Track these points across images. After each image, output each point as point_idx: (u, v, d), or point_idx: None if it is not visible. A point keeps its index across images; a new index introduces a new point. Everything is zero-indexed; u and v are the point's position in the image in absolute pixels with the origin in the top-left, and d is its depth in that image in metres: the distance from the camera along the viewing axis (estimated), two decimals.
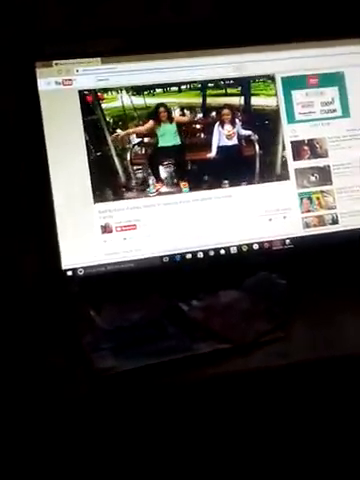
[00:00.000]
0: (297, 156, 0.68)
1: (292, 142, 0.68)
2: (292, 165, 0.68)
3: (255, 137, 0.67)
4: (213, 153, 0.66)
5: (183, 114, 0.65)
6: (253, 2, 0.69)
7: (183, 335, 0.51)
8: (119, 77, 0.64)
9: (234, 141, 0.67)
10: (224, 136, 0.66)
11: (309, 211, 0.68)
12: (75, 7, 0.65)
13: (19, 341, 0.52)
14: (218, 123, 0.66)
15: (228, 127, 0.66)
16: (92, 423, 0.43)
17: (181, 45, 0.65)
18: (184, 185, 0.65)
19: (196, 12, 0.67)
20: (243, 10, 0.69)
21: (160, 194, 0.64)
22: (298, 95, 0.68)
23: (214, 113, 0.66)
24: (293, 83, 0.68)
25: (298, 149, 0.68)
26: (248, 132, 0.67)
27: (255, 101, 0.67)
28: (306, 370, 0.46)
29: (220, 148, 0.66)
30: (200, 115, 0.66)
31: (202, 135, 0.66)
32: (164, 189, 0.64)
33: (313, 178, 0.68)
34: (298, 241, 0.67)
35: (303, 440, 0.47)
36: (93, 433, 0.43)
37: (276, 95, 0.68)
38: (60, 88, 0.63)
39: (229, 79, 0.67)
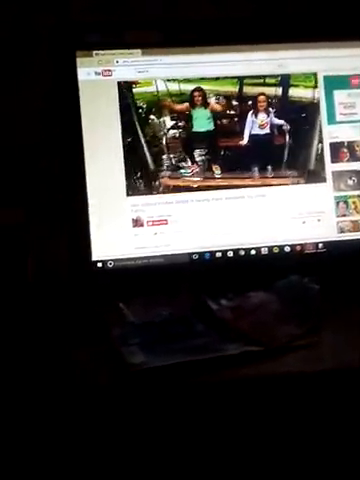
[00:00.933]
0: (335, 158, 0.66)
1: (331, 143, 0.66)
2: (330, 167, 0.66)
3: (287, 127, 0.65)
4: (245, 140, 0.64)
5: (218, 101, 0.64)
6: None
7: (212, 334, 0.50)
8: (159, 69, 0.63)
9: (266, 130, 0.65)
10: (257, 125, 0.65)
11: (345, 215, 0.66)
12: None
13: (48, 330, 0.52)
14: (252, 111, 0.65)
15: (261, 116, 0.65)
16: (119, 417, 0.43)
17: (222, 39, 0.64)
18: (216, 168, 0.64)
19: (239, 7, 0.66)
20: (287, 6, 0.68)
21: (193, 189, 0.63)
22: (340, 95, 0.66)
23: (250, 102, 0.65)
24: (335, 83, 0.66)
25: (337, 151, 0.66)
26: (281, 121, 0.65)
27: (293, 92, 0.65)
28: (338, 377, 0.45)
29: (252, 136, 0.65)
30: (235, 102, 0.64)
31: (236, 122, 0.64)
32: (198, 173, 0.63)
33: (351, 182, 0.66)
34: (332, 245, 0.66)
35: (332, 446, 0.45)
36: (119, 427, 0.43)
37: (316, 87, 0.65)
38: (99, 78, 0.62)
39: (270, 75, 0.65)
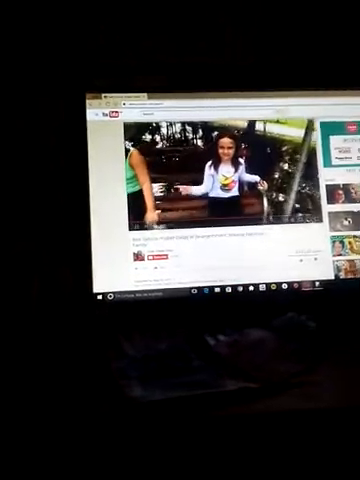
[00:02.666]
0: (331, 199, 0.69)
1: (327, 186, 0.69)
2: (326, 208, 0.68)
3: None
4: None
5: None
6: (299, 47, 0.72)
7: (209, 370, 0.50)
8: (163, 112, 0.67)
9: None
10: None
11: (340, 255, 0.68)
12: (123, 43, 0.69)
13: (48, 361, 0.52)
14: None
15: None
16: (118, 449, 0.43)
17: (224, 86, 0.68)
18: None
19: (240, 55, 0.71)
20: (286, 55, 0.72)
21: (194, 225, 0.65)
22: (336, 140, 0.70)
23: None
24: (332, 128, 0.70)
25: (333, 193, 0.69)
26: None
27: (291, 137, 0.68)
28: (334, 416, 0.45)
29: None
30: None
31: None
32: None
33: (346, 222, 0.69)
34: (328, 284, 0.67)
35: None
36: (118, 460, 0.43)
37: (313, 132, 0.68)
38: (107, 119, 0.66)
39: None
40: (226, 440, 0.43)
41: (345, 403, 0.46)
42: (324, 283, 0.67)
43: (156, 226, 0.65)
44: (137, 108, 0.67)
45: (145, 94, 0.67)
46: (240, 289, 0.66)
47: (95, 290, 0.63)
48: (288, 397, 0.46)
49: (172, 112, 0.67)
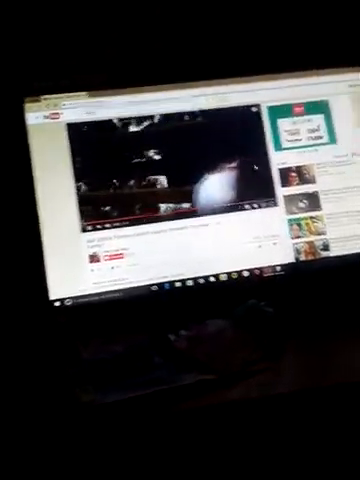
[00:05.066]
0: (285, 182, 0.68)
1: (280, 169, 0.68)
2: (280, 191, 0.68)
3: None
4: None
5: None
6: (237, 34, 0.72)
7: (169, 366, 0.49)
8: (106, 110, 0.65)
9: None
10: None
11: (299, 237, 0.67)
12: (61, 43, 0.67)
13: (5, 371, 0.51)
14: None
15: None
16: (73, 455, 0.41)
17: (166, 77, 0.67)
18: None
19: (181, 45, 0.70)
20: (228, 42, 0.72)
21: (148, 221, 0.64)
22: (284, 123, 0.69)
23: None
24: (279, 112, 0.69)
25: (286, 176, 0.68)
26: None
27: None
28: (292, 401, 0.45)
29: None
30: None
31: None
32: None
33: (302, 204, 0.68)
34: (289, 268, 0.67)
35: (288, 472, 0.44)
36: (73, 464, 0.42)
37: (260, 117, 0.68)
38: (48, 122, 0.64)
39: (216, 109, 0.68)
40: (183, 434, 0.42)
41: (302, 387, 0.45)
42: (285, 267, 0.66)
43: (109, 225, 0.64)
44: (78, 107, 0.65)
45: (85, 93, 0.66)
46: (201, 281, 0.65)
47: (52, 297, 0.61)
48: (245, 386, 0.45)
49: (115, 109, 0.66)
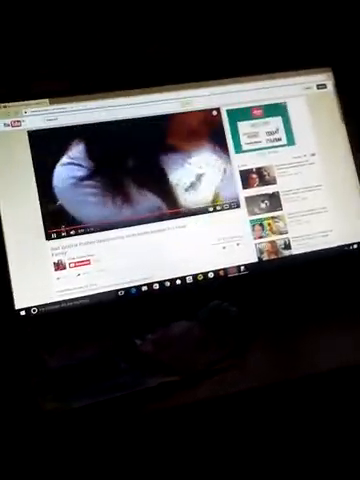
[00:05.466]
0: (246, 184, 0.70)
1: (241, 171, 0.70)
2: (242, 193, 0.70)
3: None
4: None
5: None
6: (197, 39, 0.73)
7: (134, 370, 0.50)
8: (67, 116, 0.66)
9: None
10: None
11: (261, 237, 0.69)
12: (21, 50, 0.67)
13: None
14: None
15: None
16: (38, 465, 0.42)
17: (127, 83, 0.67)
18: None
19: (141, 51, 0.71)
20: (188, 47, 0.73)
21: (113, 227, 0.65)
22: (244, 126, 0.71)
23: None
24: (238, 115, 0.71)
25: (247, 178, 0.70)
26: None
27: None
28: (256, 398, 0.46)
29: None
30: None
31: None
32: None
33: (263, 205, 0.70)
34: (253, 267, 0.68)
35: (255, 468, 0.46)
36: (41, 475, 0.42)
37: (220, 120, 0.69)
38: (9, 130, 0.64)
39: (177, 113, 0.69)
40: (148, 437, 0.43)
41: (264, 384, 0.47)
42: (248, 266, 0.68)
43: (74, 232, 0.64)
44: (39, 115, 0.65)
45: (46, 100, 0.66)
46: (167, 284, 0.66)
47: (17, 306, 0.61)
48: (208, 386, 0.46)
49: (76, 115, 0.66)
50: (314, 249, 0.70)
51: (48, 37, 0.68)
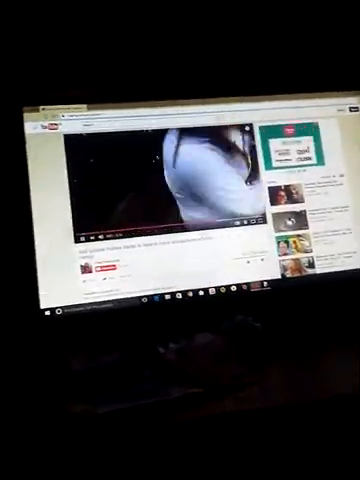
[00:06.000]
0: (274, 201, 0.70)
1: (270, 188, 0.71)
2: (269, 209, 0.70)
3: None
4: None
5: None
6: (234, 55, 0.74)
7: (158, 378, 0.50)
8: (103, 123, 0.67)
9: None
10: None
11: (286, 254, 0.70)
12: (62, 54, 0.69)
13: None
14: None
15: None
16: (66, 467, 0.42)
17: (163, 94, 0.68)
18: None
19: (177, 64, 0.72)
20: (224, 62, 0.74)
21: (140, 234, 0.66)
22: (275, 143, 0.72)
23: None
24: (270, 132, 0.72)
25: (275, 194, 0.71)
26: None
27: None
28: (278, 415, 0.46)
29: None
30: None
31: None
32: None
33: (290, 222, 0.71)
34: (275, 284, 0.69)
35: None
36: (65, 477, 0.42)
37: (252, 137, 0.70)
38: (46, 132, 0.65)
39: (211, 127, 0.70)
40: (172, 447, 0.43)
41: (286, 401, 0.47)
42: (271, 283, 0.68)
43: (102, 237, 0.65)
44: (77, 119, 0.66)
45: (84, 105, 0.67)
46: (190, 295, 0.66)
47: (42, 306, 0.62)
48: (232, 400, 0.47)
49: (112, 122, 0.67)
50: (337, 269, 0.70)
51: (90, 42, 0.69)
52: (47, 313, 0.62)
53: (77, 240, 0.64)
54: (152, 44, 0.71)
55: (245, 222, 0.69)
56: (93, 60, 0.70)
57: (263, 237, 0.69)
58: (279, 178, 0.71)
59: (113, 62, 0.70)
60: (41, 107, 0.65)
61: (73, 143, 0.65)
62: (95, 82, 0.69)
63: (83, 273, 0.63)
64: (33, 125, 0.65)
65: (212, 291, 0.67)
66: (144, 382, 0.50)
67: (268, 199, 0.70)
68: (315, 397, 0.49)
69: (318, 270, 0.70)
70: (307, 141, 0.73)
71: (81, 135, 0.66)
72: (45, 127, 0.65)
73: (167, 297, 0.66)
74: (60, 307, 0.62)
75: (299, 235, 0.70)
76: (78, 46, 0.69)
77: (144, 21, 0.70)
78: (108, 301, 0.64)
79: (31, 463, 0.41)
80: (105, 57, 0.70)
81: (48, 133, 0.65)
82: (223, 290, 0.67)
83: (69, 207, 0.64)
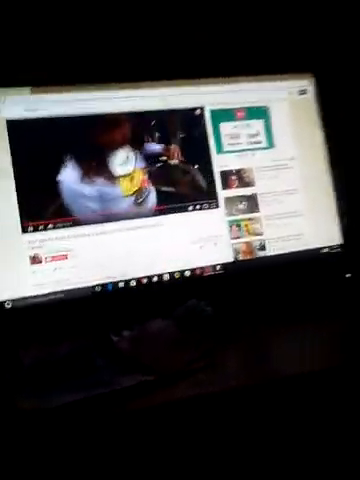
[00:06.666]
0: (226, 185, 0.71)
1: (221, 172, 0.71)
2: (221, 193, 0.70)
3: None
4: None
5: None
6: (183, 37, 0.72)
7: (110, 368, 0.50)
8: (48, 107, 0.64)
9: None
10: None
11: (238, 237, 0.70)
12: (5, 37, 0.65)
13: None
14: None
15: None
16: (15, 464, 0.41)
17: (109, 77, 0.66)
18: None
19: (126, 45, 0.69)
20: (174, 44, 0.72)
21: (91, 223, 0.64)
22: (226, 127, 0.71)
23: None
24: (221, 116, 0.71)
25: (227, 178, 0.71)
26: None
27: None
28: (232, 398, 0.48)
29: None
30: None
31: None
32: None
33: (241, 206, 0.71)
34: (228, 267, 0.69)
35: (228, 469, 0.47)
36: (16, 475, 0.42)
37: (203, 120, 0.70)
38: None
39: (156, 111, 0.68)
40: (125, 437, 0.44)
41: (238, 384, 0.48)
42: (224, 266, 0.69)
43: (51, 226, 0.63)
44: (19, 104, 0.63)
45: (28, 89, 0.64)
46: (145, 281, 0.66)
47: None
48: (184, 385, 0.47)
49: (57, 107, 0.64)
50: (288, 251, 0.72)
51: (35, 25, 0.65)
52: None
53: (25, 230, 0.62)
54: (98, 24, 0.68)
55: (197, 207, 0.69)
56: (37, 40, 0.66)
57: (216, 221, 0.70)
58: (230, 162, 0.71)
59: (58, 43, 0.67)
60: None
61: (16, 128, 0.62)
62: (39, 64, 0.65)
63: (32, 264, 0.62)
64: None
65: (166, 277, 0.67)
66: (97, 372, 0.50)
67: (220, 183, 0.70)
68: (268, 378, 0.50)
69: (269, 252, 0.71)
70: (258, 125, 0.73)
71: (24, 120, 0.63)
72: None
73: (121, 285, 0.65)
74: (10, 300, 0.60)
75: (250, 218, 0.71)
76: (21, 25, 0.65)
77: (92, 1, 0.67)
78: (60, 291, 0.62)
79: None
80: (49, 37, 0.66)
81: None
82: (177, 276, 0.67)
83: (15, 196, 0.62)
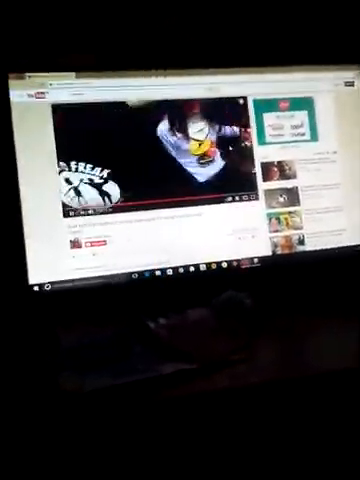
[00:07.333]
0: (266, 177, 0.70)
1: (262, 163, 0.70)
2: (261, 186, 0.69)
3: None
4: None
5: None
6: (230, 26, 0.71)
7: (148, 354, 0.50)
8: (93, 92, 0.64)
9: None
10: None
11: (277, 231, 0.69)
12: (51, 21, 0.65)
13: None
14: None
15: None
16: (57, 445, 0.42)
17: (155, 64, 0.66)
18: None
19: (173, 34, 0.69)
20: (220, 33, 0.71)
21: (131, 210, 0.64)
22: (269, 118, 0.70)
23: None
24: (265, 106, 0.70)
25: (268, 170, 0.70)
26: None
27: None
28: (269, 391, 0.47)
29: None
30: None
31: None
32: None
33: (282, 199, 0.70)
34: (266, 260, 0.69)
35: (267, 462, 0.47)
36: (57, 455, 0.43)
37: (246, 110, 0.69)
38: (33, 101, 0.62)
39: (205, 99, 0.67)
40: (163, 424, 0.44)
41: (275, 377, 0.48)
42: (262, 259, 0.68)
43: (92, 211, 0.63)
44: (65, 88, 0.63)
45: (73, 74, 0.64)
46: (181, 271, 0.66)
47: (31, 281, 0.61)
48: (222, 376, 0.47)
49: (102, 92, 0.64)
50: (327, 247, 0.71)
51: (81, 10, 0.65)
52: (36, 289, 0.61)
53: (66, 214, 0.62)
54: (146, 11, 0.68)
55: (237, 198, 0.68)
56: (83, 26, 0.66)
57: (254, 214, 0.69)
58: (272, 153, 0.70)
59: (104, 29, 0.67)
60: (27, 74, 0.62)
61: (61, 113, 0.63)
62: (85, 49, 0.66)
63: (72, 248, 0.62)
64: (19, 93, 0.62)
65: (203, 267, 0.67)
66: (135, 358, 0.50)
67: (261, 175, 0.69)
68: (306, 373, 0.49)
69: (308, 247, 0.70)
70: (302, 116, 0.71)
71: (69, 105, 0.63)
72: (31, 96, 0.62)
73: (158, 273, 0.65)
74: (49, 282, 0.61)
75: (291, 212, 0.70)
76: (67, 12, 0.65)
77: None
78: (98, 277, 0.63)
79: (21, 440, 0.41)
80: (95, 24, 0.66)
81: (35, 102, 0.62)
82: (214, 266, 0.67)
83: (58, 180, 0.62)
